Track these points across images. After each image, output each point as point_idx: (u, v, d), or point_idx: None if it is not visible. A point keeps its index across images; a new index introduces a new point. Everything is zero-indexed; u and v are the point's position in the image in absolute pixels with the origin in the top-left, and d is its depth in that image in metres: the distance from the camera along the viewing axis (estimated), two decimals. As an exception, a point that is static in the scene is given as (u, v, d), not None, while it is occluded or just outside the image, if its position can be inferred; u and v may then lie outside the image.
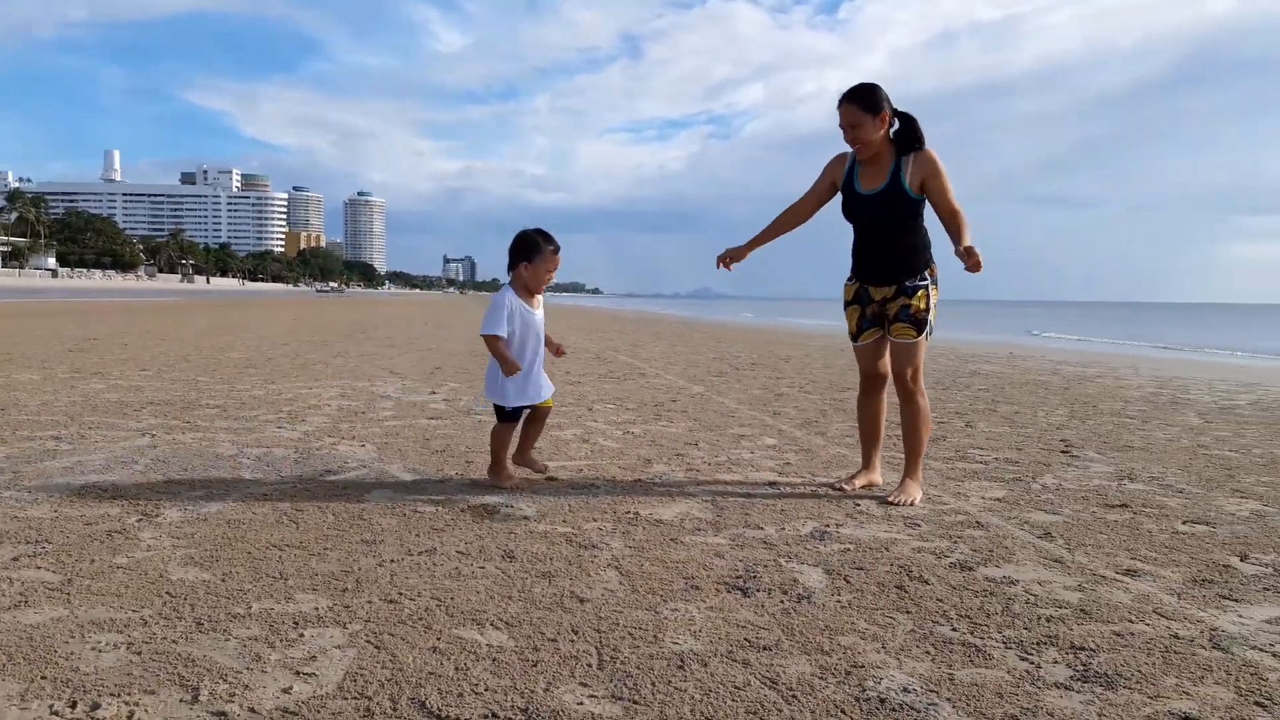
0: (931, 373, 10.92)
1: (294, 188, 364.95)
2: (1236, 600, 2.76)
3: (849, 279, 4.21)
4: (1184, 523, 3.70)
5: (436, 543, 3.14)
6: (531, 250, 4.00)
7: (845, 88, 4.01)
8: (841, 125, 3.95)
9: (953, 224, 3.92)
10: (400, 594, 2.62)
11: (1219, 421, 6.89)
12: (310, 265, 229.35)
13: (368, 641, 2.28)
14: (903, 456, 4.22)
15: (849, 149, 4.04)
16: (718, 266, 4.32)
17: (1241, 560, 3.19)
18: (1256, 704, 2.05)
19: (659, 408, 7.01)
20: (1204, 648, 2.38)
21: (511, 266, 4.04)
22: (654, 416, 6.51)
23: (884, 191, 3.98)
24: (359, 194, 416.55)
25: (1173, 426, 6.55)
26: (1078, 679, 2.15)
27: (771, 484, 4.29)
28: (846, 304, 4.22)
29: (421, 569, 2.86)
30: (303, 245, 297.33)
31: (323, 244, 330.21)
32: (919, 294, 3.98)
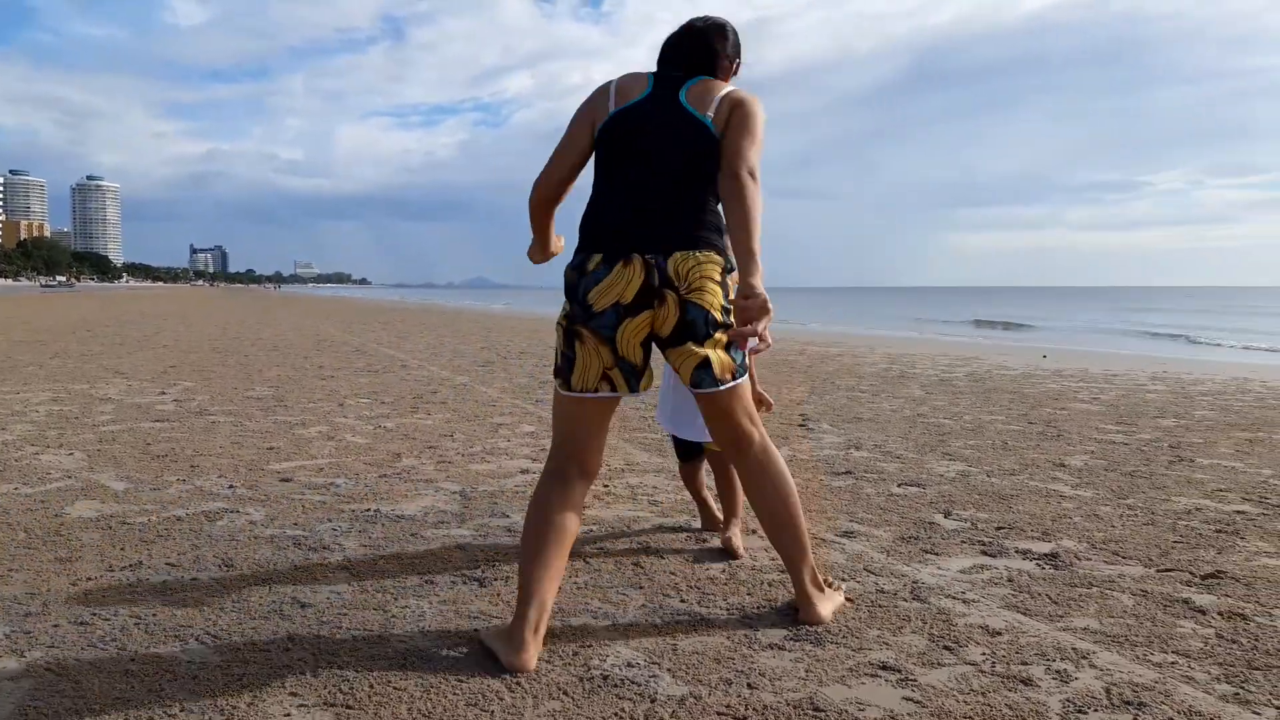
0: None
1: (10, 171, 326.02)
2: (937, 554, 3.02)
3: None
4: (899, 485, 4.01)
5: (144, 556, 2.87)
6: None
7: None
8: None
9: None
10: (94, 614, 2.36)
11: (938, 392, 7.57)
12: (33, 257, 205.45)
13: (48, 669, 2.03)
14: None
15: None
16: None
17: (945, 517, 3.50)
18: (945, 648, 2.24)
19: (418, 400, 6.81)
20: (905, 600, 2.57)
21: None
22: (411, 409, 6.32)
23: None
24: (88, 178, 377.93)
25: (898, 399, 7.13)
26: (790, 639, 2.27)
27: (525, 471, 4.26)
28: None
29: (122, 586, 2.59)
30: (23, 235, 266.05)
31: (47, 234, 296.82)
32: None
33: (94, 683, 1.97)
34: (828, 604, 2.44)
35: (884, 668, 2.11)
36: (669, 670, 2.07)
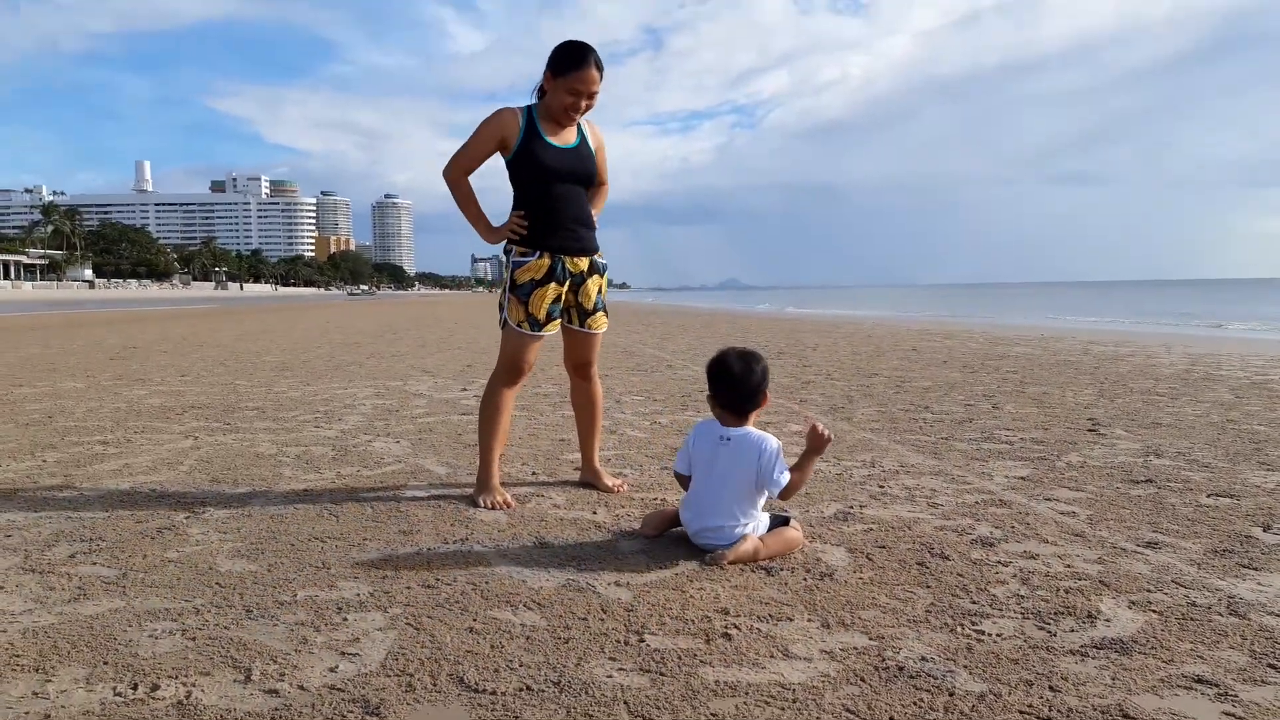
0: (959, 356, 10.91)
1: (321, 192, 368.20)
2: (1257, 569, 2.80)
3: (532, 254, 3.63)
4: (1208, 496, 3.72)
5: (469, 531, 3.25)
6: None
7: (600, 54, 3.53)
8: (589, 94, 3.52)
9: (602, 196, 3.91)
10: (437, 579, 2.72)
11: (1251, 397, 6.85)
12: (341, 268, 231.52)
13: (407, 624, 2.39)
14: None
15: (511, 105, 3.65)
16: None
17: (1265, 531, 3.22)
18: (1270, 666, 2.10)
19: (686, 398, 7.09)
20: (1221, 614, 2.43)
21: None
22: (681, 407, 6.60)
23: (580, 148, 3.69)
24: (386, 196, 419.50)
25: (1203, 403, 6.53)
26: (1093, 646, 2.21)
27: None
28: (536, 283, 3.63)
29: (456, 556, 2.97)
30: (332, 249, 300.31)
31: (352, 247, 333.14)
32: (607, 272, 3.87)
33: (446, 637, 2.29)
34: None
35: (1199, 681, 2.02)
36: (965, 667, 2.10)
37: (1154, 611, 2.44)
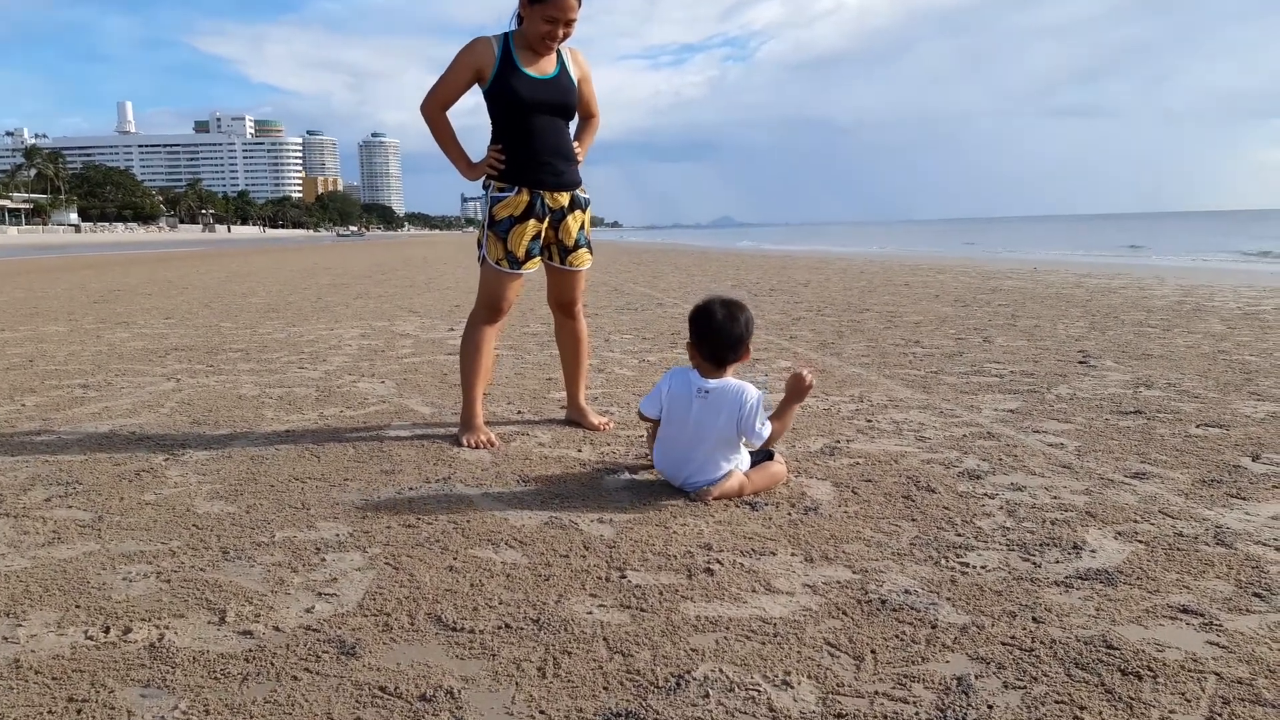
0: (951, 291, 10.86)
1: (308, 132, 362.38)
2: (1245, 499, 2.79)
3: (510, 189, 3.53)
4: (1197, 426, 3.70)
5: (452, 471, 3.22)
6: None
7: None
8: (566, 21, 3.37)
9: (591, 129, 3.82)
10: (418, 519, 2.69)
11: (1242, 327, 6.83)
12: (329, 210, 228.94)
13: (386, 563, 2.35)
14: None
15: (487, 35, 3.52)
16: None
17: (1253, 460, 3.20)
18: (1255, 595, 2.09)
19: (675, 335, 7.04)
20: (1207, 544, 2.41)
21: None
22: (670, 344, 6.55)
23: (559, 78, 3.55)
24: (373, 135, 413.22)
25: (1194, 334, 6.50)
26: (1077, 577, 2.19)
27: (785, 404, 4.32)
28: (515, 220, 3.53)
29: (438, 495, 2.93)
30: (320, 190, 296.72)
31: (340, 187, 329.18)
32: (590, 207, 3.75)
33: (425, 576, 2.26)
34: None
35: (1184, 610, 2.00)
36: (948, 599, 2.08)
37: (1140, 542, 2.42)
